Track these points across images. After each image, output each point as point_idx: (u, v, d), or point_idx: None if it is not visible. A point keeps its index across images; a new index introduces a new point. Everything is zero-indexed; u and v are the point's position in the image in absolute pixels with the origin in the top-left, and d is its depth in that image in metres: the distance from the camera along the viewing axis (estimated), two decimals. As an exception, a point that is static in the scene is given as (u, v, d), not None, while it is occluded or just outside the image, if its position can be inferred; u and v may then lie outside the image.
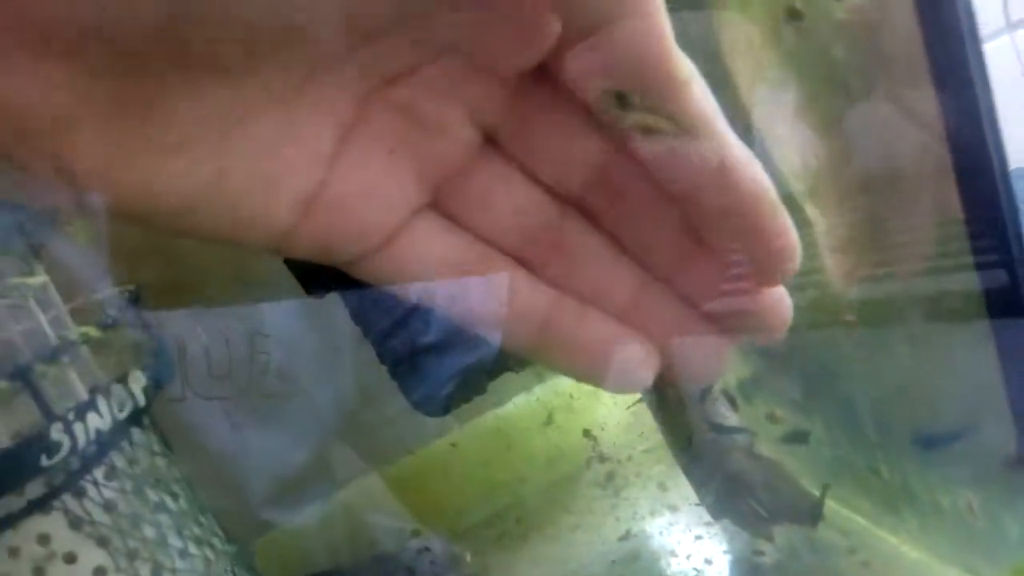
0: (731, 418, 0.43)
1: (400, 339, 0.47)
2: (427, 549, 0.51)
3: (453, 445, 0.55)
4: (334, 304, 0.51)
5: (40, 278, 0.35)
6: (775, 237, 0.21)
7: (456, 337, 0.47)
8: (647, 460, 0.56)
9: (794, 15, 0.44)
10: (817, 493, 0.41)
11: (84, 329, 0.35)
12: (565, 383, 0.58)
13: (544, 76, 0.21)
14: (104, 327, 0.36)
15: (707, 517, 0.46)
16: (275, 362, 0.49)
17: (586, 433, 0.59)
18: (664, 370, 0.22)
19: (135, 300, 0.40)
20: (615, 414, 0.58)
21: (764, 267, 0.21)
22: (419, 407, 0.49)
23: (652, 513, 0.50)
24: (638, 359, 0.22)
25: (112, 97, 0.17)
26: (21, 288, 0.34)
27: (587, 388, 0.61)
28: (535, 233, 0.22)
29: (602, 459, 0.58)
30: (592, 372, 0.22)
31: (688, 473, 0.45)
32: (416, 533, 0.55)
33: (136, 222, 0.19)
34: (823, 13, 0.42)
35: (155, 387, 0.38)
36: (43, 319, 0.36)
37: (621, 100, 0.20)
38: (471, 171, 0.22)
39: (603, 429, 0.58)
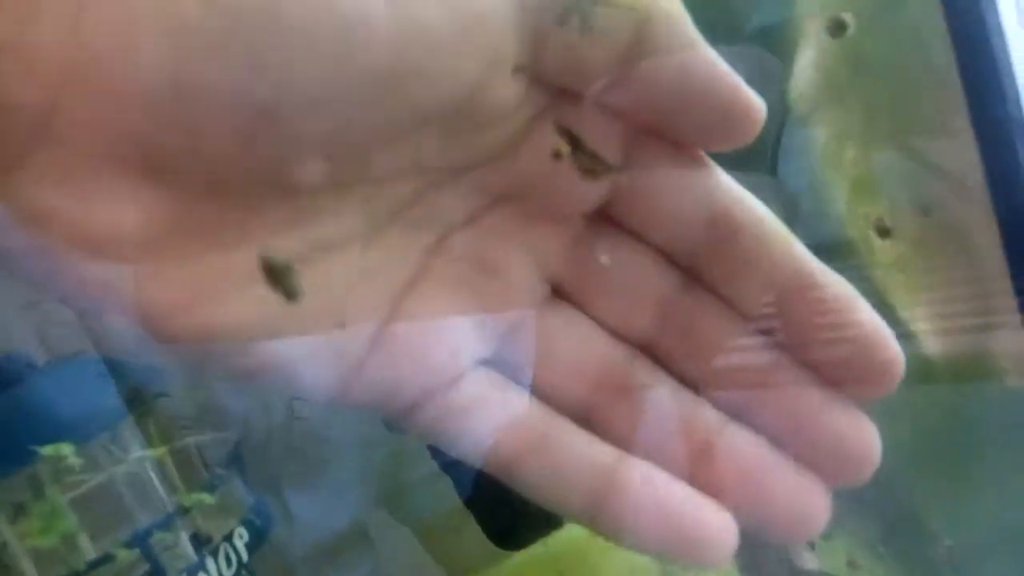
0: (811, 561, 0.44)
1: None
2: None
3: None
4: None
5: (159, 449, 0.37)
6: (884, 351, 0.20)
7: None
8: (720, 583, 0.55)
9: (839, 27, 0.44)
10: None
11: (197, 496, 0.37)
12: (576, 532, 0.58)
13: (603, 220, 0.21)
14: (213, 490, 0.38)
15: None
16: (312, 426, 0.49)
17: (655, 555, 0.58)
18: (751, 530, 0.20)
19: (237, 452, 0.42)
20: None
21: (870, 384, 0.20)
22: (496, 541, 0.50)
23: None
24: (716, 528, 0.20)
25: (200, 225, 0.17)
26: (142, 459, 0.37)
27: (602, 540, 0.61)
28: (599, 380, 0.21)
29: (672, 580, 0.58)
30: (661, 544, 0.20)
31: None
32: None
33: (199, 357, 0.18)
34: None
35: (256, 542, 0.40)
36: (159, 487, 0.38)
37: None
38: (537, 319, 0.22)
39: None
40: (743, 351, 0.21)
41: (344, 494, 0.50)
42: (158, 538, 0.36)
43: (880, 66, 0.44)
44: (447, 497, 0.56)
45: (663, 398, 0.21)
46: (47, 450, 0.35)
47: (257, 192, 0.17)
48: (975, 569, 0.41)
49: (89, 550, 0.37)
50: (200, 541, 0.40)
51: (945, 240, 0.42)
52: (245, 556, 0.39)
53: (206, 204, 0.17)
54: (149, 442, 0.38)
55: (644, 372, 0.21)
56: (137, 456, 0.37)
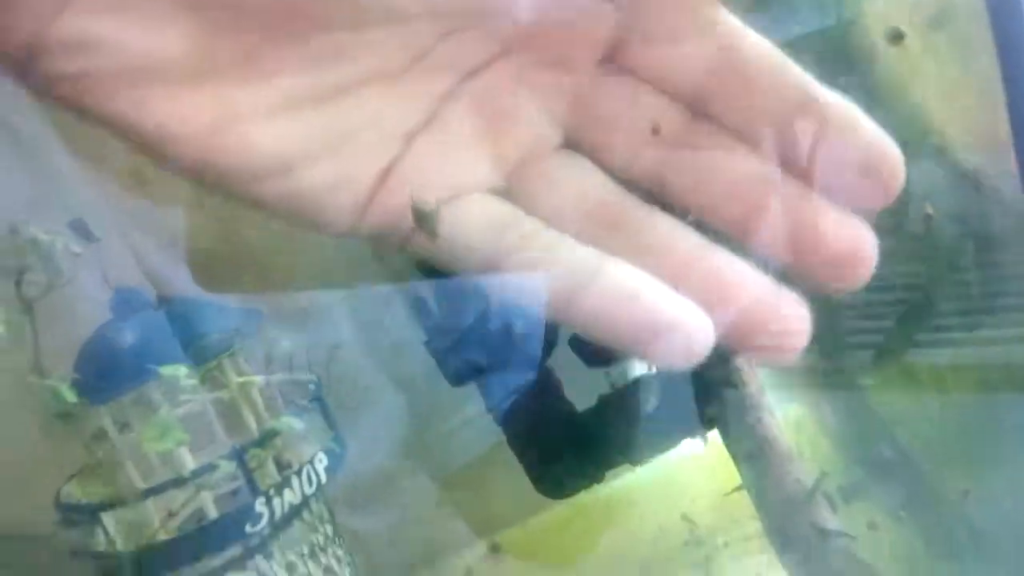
0: (832, 521, 0.48)
1: (458, 358, 0.52)
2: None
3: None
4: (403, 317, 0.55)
5: (256, 377, 0.42)
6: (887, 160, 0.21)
7: (505, 360, 0.52)
8: (744, 548, 0.60)
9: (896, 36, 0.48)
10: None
11: (287, 420, 0.42)
12: (666, 466, 0.63)
13: (613, 67, 0.22)
14: (301, 417, 0.43)
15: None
16: (347, 371, 0.52)
17: (684, 517, 0.63)
18: (740, 341, 0.21)
19: (319, 390, 0.46)
20: (713, 500, 0.62)
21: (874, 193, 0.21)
22: (538, 488, 0.54)
23: (750, 600, 0.54)
24: (692, 328, 0.20)
25: (231, 56, 0.19)
26: (242, 384, 0.41)
27: (687, 472, 0.65)
28: (596, 212, 0.22)
29: (698, 543, 0.62)
30: (638, 341, 0.20)
31: (788, 567, 0.49)
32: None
33: (223, 185, 0.20)
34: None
35: (333, 467, 0.45)
36: (254, 409, 0.43)
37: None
38: (544, 159, 0.23)
39: (701, 514, 0.62)
40: (751, 177, 0.22)
41: (374, 442, 0.54)
42: (252, 454, 0.41)
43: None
44: (471, 451, 0.60)
45: (654, 226, 0.22)
46: (165, 370, 0.40)
47: (279, 29, 0.19)
48: (991, 515, 0.44)
49: (190, 461, 0.42)
50: (281, 464, 0.45)
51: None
52: (324, 478, 0.44)
53: (232, 38, 0.19)
54: (247, 373, 0.43)
55: (642, 210, 0.22)
56: (238, 383, 0.42)
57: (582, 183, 0.22)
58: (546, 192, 0.22)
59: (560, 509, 0.63)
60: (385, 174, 0.21)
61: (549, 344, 0.55)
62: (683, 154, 0.22)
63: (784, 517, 0.49)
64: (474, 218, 0.22)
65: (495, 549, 0.64)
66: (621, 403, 0.53)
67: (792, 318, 0.21)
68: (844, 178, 0.21)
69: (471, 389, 0.55)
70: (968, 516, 0.43)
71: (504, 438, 0.55)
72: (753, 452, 0.51)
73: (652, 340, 0.20)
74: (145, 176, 0.44)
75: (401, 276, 0.53)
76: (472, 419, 0.60)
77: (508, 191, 0.22)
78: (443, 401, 0.58)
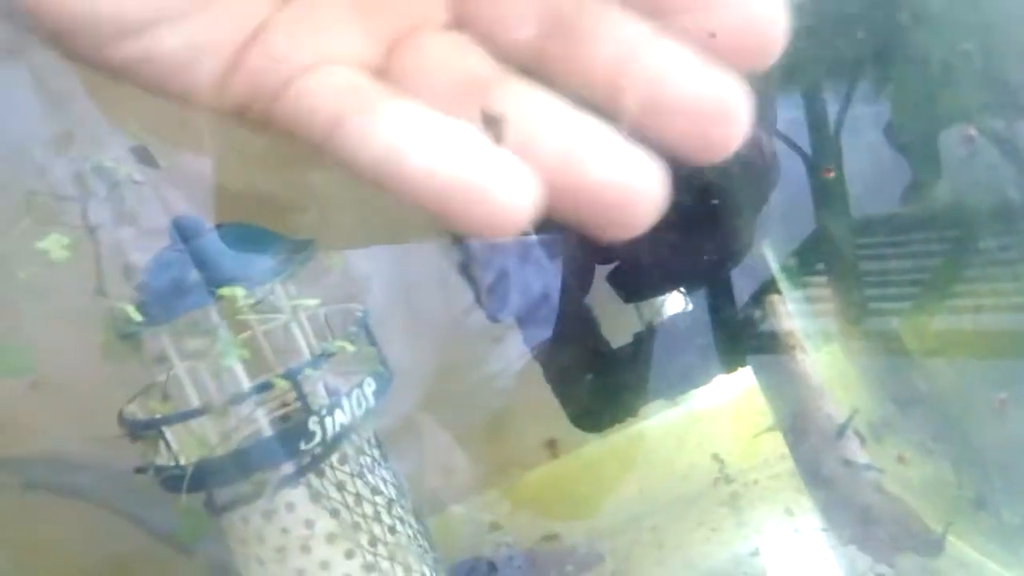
0: (861, 456, 0.49)
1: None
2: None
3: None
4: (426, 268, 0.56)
5: (310, 301, 0.43)
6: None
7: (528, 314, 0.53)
8: (772, 486, 0.61)
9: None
10: (939, 529, 0.46)
11: (340, 343, 0.44)
12: (697, 407, 0.64)
13: None
14: (353, 342, 0.45)
15: (830, 542, 0.52)
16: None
17: (714, 456, 0.65)
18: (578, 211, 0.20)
19: (366, 317, 0.48)
20: (743, 441, 0.63)
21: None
22: (575, 422, 0.56)
23: (778, 534, 0.56)
24: (507, 191, 0.19)
25: None
26: (298, 307, 0.43)
27: (719, 413, 0.67)
28: (465, 87, 0.21)
29: (728, 480, 0.64)
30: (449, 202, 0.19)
31: (818, 501, 0.51)
32: (495, 527, 0.62)
33: (76, 51, 0.19)
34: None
35: (380, 391, 0.47)
36: (305, 334, 0.45)
37: None
38: (424, 37, 0.22)
39: (730, 453, 0.64)
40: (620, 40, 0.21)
41: (397, 392, 0.55)
42: (306, 374, 0.43)
43: None
44: (488, 407, 0.62)
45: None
46: (224, 291, 0.42)
47: None
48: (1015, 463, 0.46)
49: (246, 380, 0.44)
50: (330, 387, 0.47)
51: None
52: (372, 401, 0.46)
53: None
54: (299, 298, 0.44)
55: (516, 86, 0.21)
56: (291, 306, 0.44)
57: (459, 61, 0.22)
58: (419, 69, 0.22)
59: (589, 450, 0.65)
60: (251, 39, 0.20)
61: (585, 281, 0.56)
62: (562, 26, 0.21)
63: (814, 452, 0.50)
64: (322, 83, 0.21)
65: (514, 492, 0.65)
66: (655, 340, 0.54)
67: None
68: (719, 36, 0.20)
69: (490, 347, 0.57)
70: (1008, 422, 0.44)
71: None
72: (785, 388, 0.52)
73: (462, 201, 0.19)
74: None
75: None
76: (494, 374, 0.62)
77: (384, 69, 0.22)
78: (464, 357, 0.60)
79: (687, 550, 0.58)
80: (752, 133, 0.23)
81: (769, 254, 0.55)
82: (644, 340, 0.55)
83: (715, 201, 0.48)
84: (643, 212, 0.19)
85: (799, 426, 0.50)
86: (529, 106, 0.21)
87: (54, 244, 0.38)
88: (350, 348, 0.44)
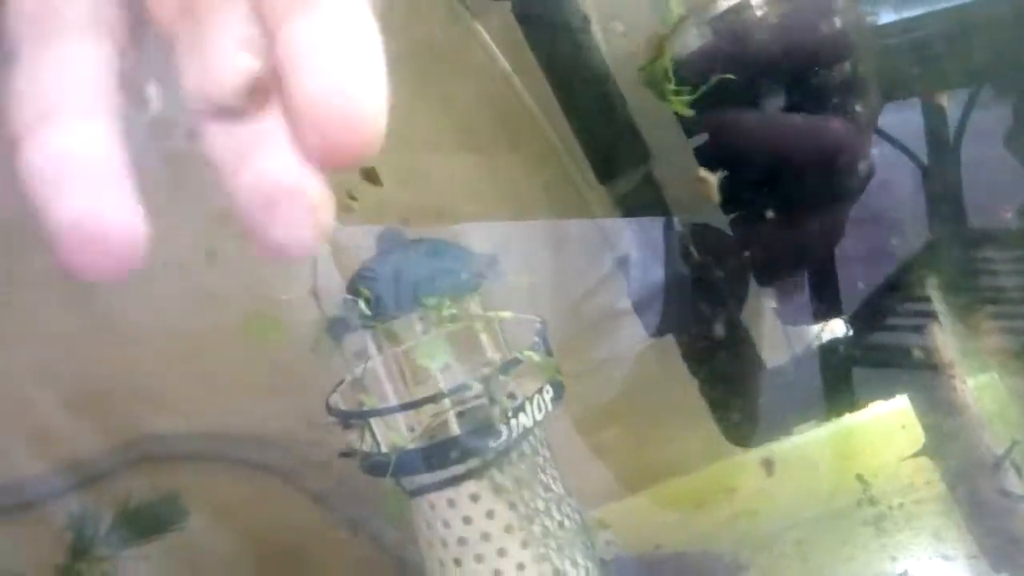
0: (1019, 487, 0.50)
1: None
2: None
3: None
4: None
5: (504, 313, 0.48)
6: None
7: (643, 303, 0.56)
8: (918, 511, 0.62)
9: None
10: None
11: (528, 352, 0.48)
12: (845, 427, 0.66)
13: None
14: (537, 351, 0.49)
15: (980, 569, 0.53)
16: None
17: (859, 477, 0.66)
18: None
19: (545, 329, 0.52)
20: (889, 464, 0.65)
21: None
22: (727, 436, 0.59)
23: (927, 559, 0.57)
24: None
25: None
26: (491, 318, 0.48)
27: (865, 434, 0.68)
28: None
29: (872, 502, 0.65)
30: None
31: (971, 528, 0.52)
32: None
33: None
34: None
35: (556, 398, 0.51)
36: (494, 342, 0.50)
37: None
38: None
39: (875, 475, 0.65)
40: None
41: None
42: (500, 379, 0.48)
43: None
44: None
45: None
46: (428, 300, 0.46)
47: None
48: None
49: (442, 379, 0.48)
50: (512, 393, 0.51)
51: None
52: (549, 407, 0.50)
53: None
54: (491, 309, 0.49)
55: None
56: (485, 316, 0.48)
57: None
58: None
59: (725, 464, 0.67)
60: None
61: (740, 298, 0.59)
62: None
63: (972, 482, 0.51)
64: None
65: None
66: (813, 362, 0.57)
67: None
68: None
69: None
70: None
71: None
72: (943, 418, 0.53)
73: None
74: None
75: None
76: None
77: None
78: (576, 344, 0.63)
79: (832, 568, 0.60)
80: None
81: (930, 282, 0.56)
82: (802, 362, 0.57)
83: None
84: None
85: (957, 457, 0.52)
86: None
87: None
88: (536, 358, 0.48)
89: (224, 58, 0.20)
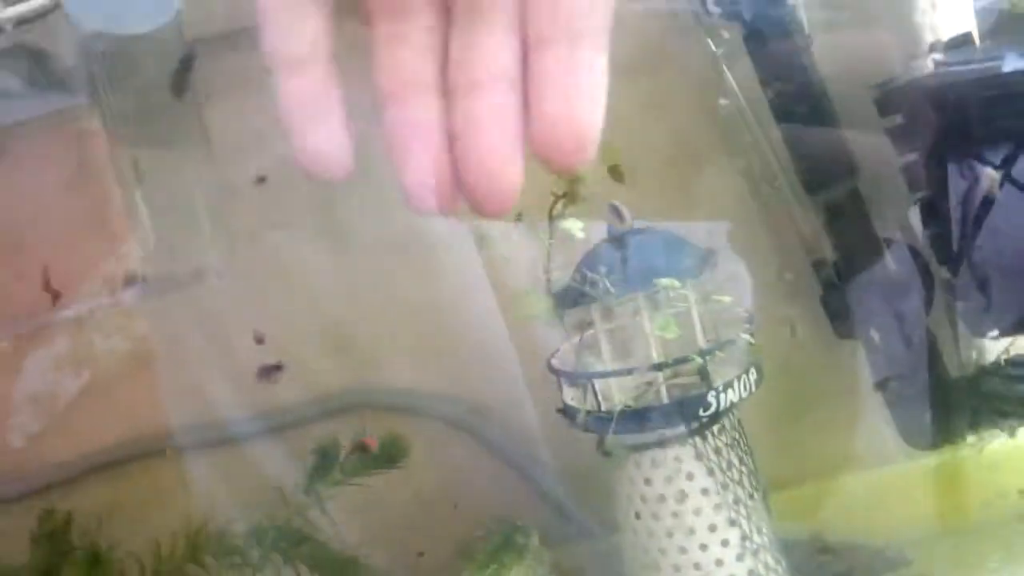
0: None
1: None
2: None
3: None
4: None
5: (725, 298, 0.54)
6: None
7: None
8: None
9: None
10: None
11: (744, 336, 0.54)
12: (1010, 440, 0.69)
13: None
14: (750, 333, 0.55)
15: None
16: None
17: (1021, 492, 0.69)
18: None
19: (751, 318, 0.58)
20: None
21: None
22: (906, 439, 0.63)
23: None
24: None
25: None
26: (710, 301, 0.54)
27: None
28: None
29: (1032, 518, 0.68)
30: None
31: None
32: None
33: None
34: None
35: (758, 381, 0.56)
36: (709, 323, 0.56)
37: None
38: None
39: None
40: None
41: None
42: (716, 356, 0.54)
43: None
44: None
45: None
46: (661, 281, 0.53)
47: None
48: None
49: (658, 351, 0.55)
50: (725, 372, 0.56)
51: None
52: (753, 388, 0.56)
53: None
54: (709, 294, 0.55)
55: None
56: (708, 298, 0.54)
57: None
58: None
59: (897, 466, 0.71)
60: None
61: (928, 305, 0.63)
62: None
63: None
64: None
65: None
66: (999, 376, 0.60)
67: None
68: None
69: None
70: None
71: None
72: None
73: None
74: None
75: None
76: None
77: None
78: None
79: (987, 573, 0.63)
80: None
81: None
82: (988, 374, 0.60)
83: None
84: None
85: None
86: None
87: (574, 226, 0.51)
88: (750, 340, 0.54)
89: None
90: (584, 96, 0.25)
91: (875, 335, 0.61)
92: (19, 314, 0.63)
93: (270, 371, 0.71)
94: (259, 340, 0.70)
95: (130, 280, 0.63)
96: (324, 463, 0.63)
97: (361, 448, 0.64)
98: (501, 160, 0.26)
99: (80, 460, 0.73)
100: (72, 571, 0.61)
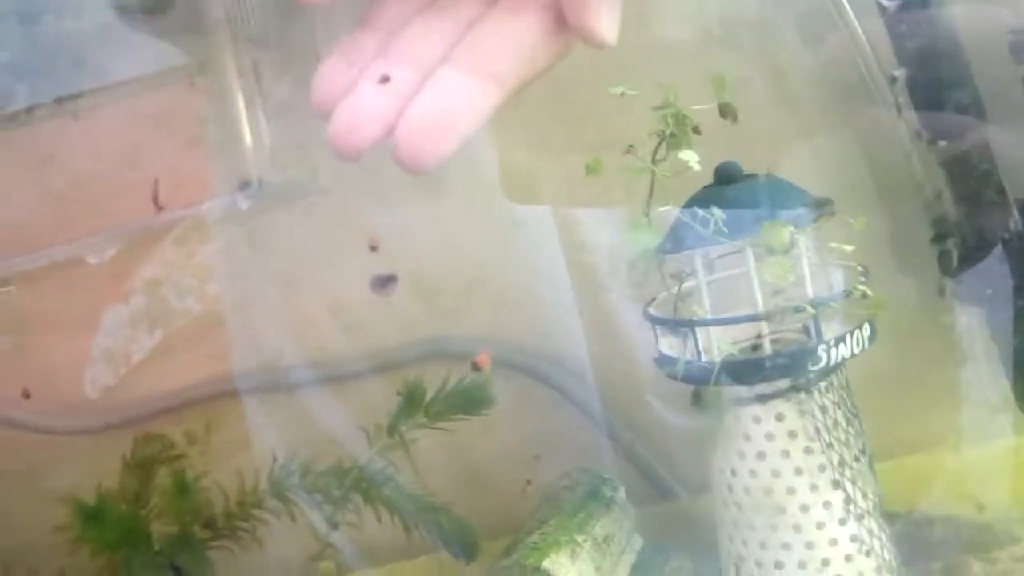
0: None
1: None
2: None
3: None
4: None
5: (847, 247, 0.51)
6: None
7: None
8: None
9: None
10: None
11: (860, 287, 0.51)
12: None
13: None
14: (865, 285, 0.52)
15: None
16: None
17: None
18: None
19: (867, 272, 0.55)
20: None
21: None
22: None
23: None
24: None
25: None
26: (831, 250, 0.51)
27: None
28: None
29: None
30: None
31: None
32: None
33: None
34: None
35: (872, 337, 0.53)
36: (823, 274, 0.53)
37: None
38: None
39: None
40: None
41: None
42: (830, 307, 0.51)
43: None
44: None
45: None
46: (773, 226, 0.50)
47: None
48: None
49: (761, 301, 0.52)
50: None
51: None
52: (866, 345, 0.53)
53: None
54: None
55: None
56: (831, 247, 0.52)
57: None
58: None
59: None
60: None
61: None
62: None
63: None
64: None
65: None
66: None
67: None
68: None
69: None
70: None
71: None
72: None
73: None
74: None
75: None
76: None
77: None
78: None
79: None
80: None
81: None
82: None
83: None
84: None
85: None
86: None
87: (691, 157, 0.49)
88: (869, 292, 0.51)
89: None
90: (443, 113, 0.31)
91: (995, 298, 0.57)
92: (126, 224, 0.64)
93: (385, 282, 0.71)
94: (373, 248, 0.70)
95: (245, 184, 0.63)
96: (410, 404, 0.63)
97: (473, 367, 0.63)
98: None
99: (167, 395, 0.74)
100: (161, 497, 0.62)
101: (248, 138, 0.62)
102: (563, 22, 0.32)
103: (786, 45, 0.64)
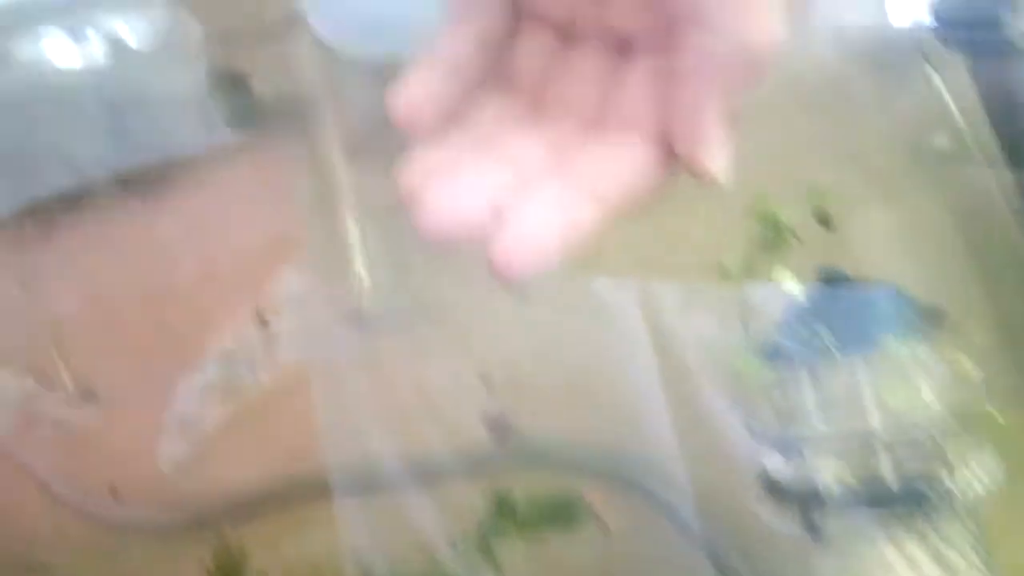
0: None
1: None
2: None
3: None
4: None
5: (968, 363, 0.47)
6: None
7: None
8: None
9: None
10: None
11: (992, 410, 0.47)
12: None
13: None
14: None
15: None
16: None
17: None
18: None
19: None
20: None
21: None
22: None
23: None
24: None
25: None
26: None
27: None
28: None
29: None
30: None
31: None
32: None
33: None
34: None
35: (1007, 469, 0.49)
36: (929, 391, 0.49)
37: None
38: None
39: None
40: None
41: None
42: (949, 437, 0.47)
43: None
44: None
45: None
46: (887, 341, 0.47)
47: None
48: None
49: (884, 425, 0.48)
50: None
51: None
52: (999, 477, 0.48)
53: None
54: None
55: None
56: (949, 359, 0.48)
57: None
58: None
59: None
60: None
61: None
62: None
63: None
64: None
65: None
66: None
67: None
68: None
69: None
70: None
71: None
72: None
73: None
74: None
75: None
76: None
77: None
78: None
79: None
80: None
81: None
82: None
83: None
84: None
85: None
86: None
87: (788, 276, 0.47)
88: (1000, 419, 0.47)
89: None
90: (545, 227, 0.29)
91: None
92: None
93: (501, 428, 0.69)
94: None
95: (351, 316, 0.63)
96: (500, 513, 0.60)
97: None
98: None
99: (242, 488, 0.73)
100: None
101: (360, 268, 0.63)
102: (671, 153, 0.30)
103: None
